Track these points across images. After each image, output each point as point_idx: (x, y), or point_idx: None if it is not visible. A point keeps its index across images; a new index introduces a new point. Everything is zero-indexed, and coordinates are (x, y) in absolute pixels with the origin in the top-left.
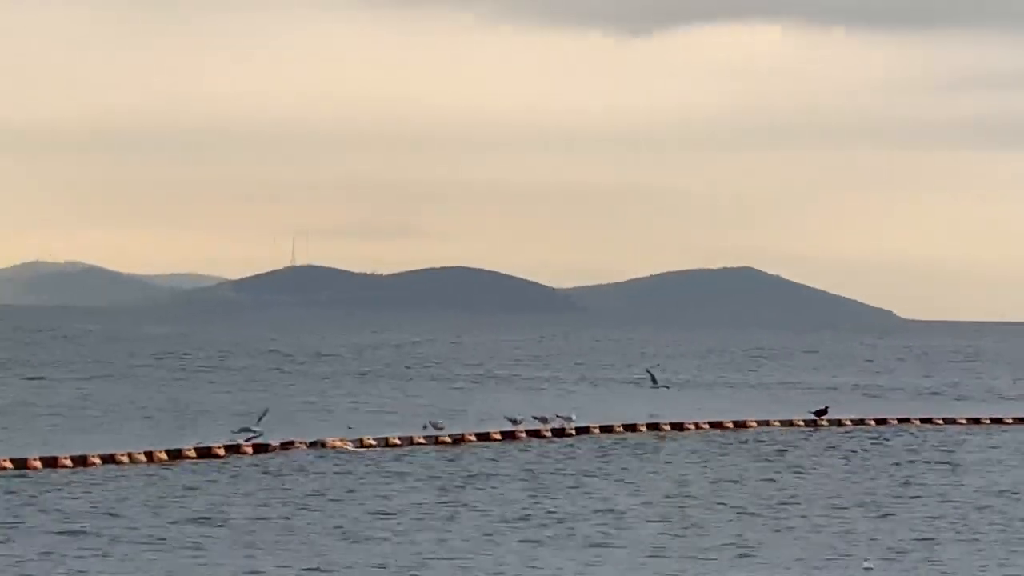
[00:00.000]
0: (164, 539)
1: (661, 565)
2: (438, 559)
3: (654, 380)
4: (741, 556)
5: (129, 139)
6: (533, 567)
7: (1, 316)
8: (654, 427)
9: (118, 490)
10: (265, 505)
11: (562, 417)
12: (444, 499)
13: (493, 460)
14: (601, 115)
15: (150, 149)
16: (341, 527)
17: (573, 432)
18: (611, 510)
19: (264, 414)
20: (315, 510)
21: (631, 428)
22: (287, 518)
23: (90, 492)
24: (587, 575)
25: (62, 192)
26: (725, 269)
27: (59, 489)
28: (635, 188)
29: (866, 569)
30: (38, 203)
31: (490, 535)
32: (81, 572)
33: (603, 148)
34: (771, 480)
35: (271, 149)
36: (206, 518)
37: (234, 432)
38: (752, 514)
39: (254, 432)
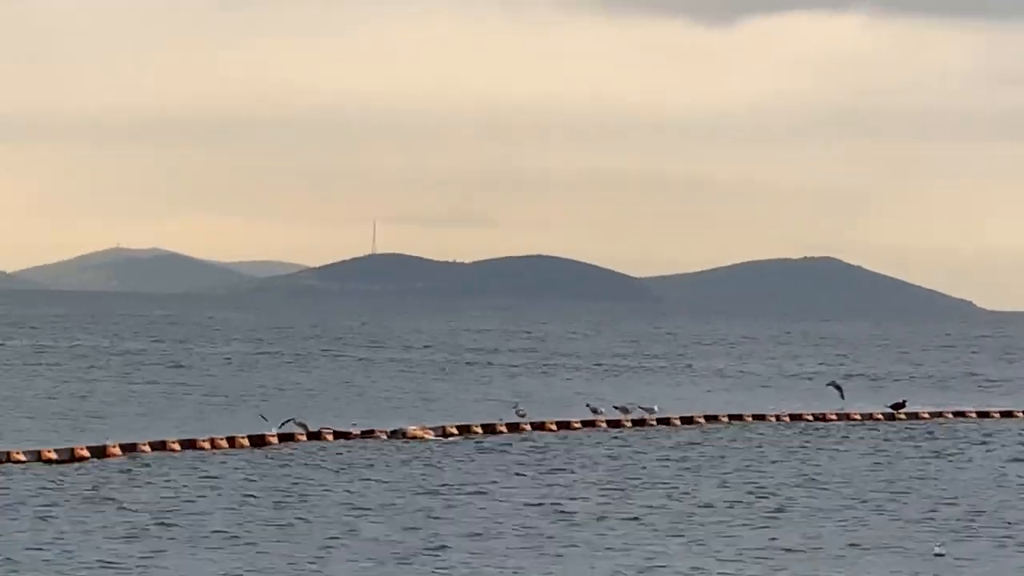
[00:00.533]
0: (245, 523)
1: (750, 553)
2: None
3: (841, 393)
4: (812, 536)
5: (211, 127)
6: (625, 549)
7: (82, 301)
8: (737, 418)
9: (201, 476)
10: (346, 492)
11: (644, 408)
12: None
13: (575, 449)
14: (682, 104)
15: (232, 137)
16: (437, 515)
17: (654, 423)
18: (697, 501)
19: (297, 423)
20: (407, 496)
21: (713, 419)
22: (367, 508)
23: (171, 479)
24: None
25: (143, 179)
26: (806, 259)
27: (137, 475)
28: (716, 178)
29: (937, 554)
30: (119, 190)
31: (576, 522)
32: (162, 554)
33: (684, 137)
34: (847, 469)
35: (353, 137)
36: (286, 503)
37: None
38: (829, 502)
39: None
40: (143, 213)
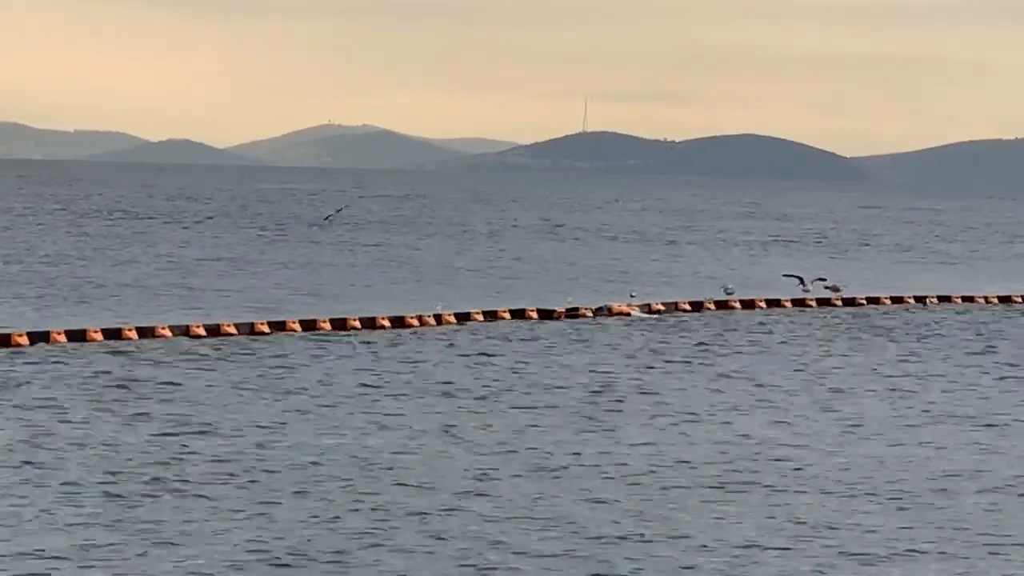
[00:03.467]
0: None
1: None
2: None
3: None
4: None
5: (425, 2)
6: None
7: (296, 177)
8: (921, 300)
9: (404, 349)
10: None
11: (828, 287)
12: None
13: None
14: None
15: (445, 11)
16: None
17: (839, 303)
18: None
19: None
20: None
21: (898, 301)
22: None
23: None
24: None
25: (356, 55)
26: (1019, 140)
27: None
28: (931, 58)
29: None
30: (333, 66)
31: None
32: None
33: (900, 17)
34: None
35: (567, 12)
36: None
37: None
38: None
39: None
40: (355, 89)
